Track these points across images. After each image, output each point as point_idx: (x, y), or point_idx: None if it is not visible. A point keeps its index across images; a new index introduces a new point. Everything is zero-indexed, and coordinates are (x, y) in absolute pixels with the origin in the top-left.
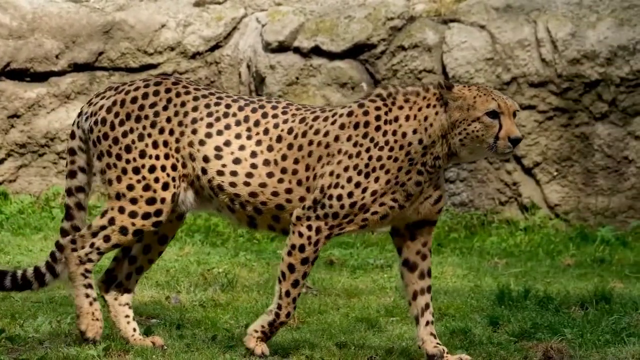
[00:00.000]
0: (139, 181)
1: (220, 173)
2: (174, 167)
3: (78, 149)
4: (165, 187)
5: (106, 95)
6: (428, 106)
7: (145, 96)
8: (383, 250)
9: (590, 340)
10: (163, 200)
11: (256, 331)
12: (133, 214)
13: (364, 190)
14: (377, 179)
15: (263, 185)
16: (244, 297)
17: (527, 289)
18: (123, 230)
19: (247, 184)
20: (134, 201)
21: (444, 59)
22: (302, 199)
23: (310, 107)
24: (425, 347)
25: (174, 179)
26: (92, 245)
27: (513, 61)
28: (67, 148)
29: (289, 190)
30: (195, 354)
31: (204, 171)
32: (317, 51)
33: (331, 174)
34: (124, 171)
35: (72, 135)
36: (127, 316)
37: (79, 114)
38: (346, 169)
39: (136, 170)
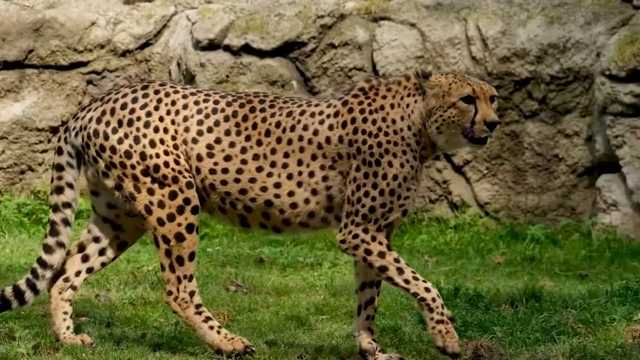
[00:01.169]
0: (153, 181)
1: (212, 171)
2: (176, 162)
3: (67, 164)
4: (175, 180)
5: (92, 107)
6: (409, 95)
7: (134, 100)
8: (313, 249)
9: (520, 338)
10: (182, 190)
11: (433, 328)
12: (171, 217)
13: (384, 176)
14: (390, 163)
15: (252, 180)
16: None
17: (457, 287)
18: (179, 238)
19: (237, 180)
20: (161, 205)
21: (375, 57)
22: (290, 194)
23: (296, 100)
24: (360, 341)
25: (180, 172)
26: (178, 279)
27: (443, 59)
28: (54, 164)
29: (277, 185)
30: (124, 352)
31: (198, 170)
32: (247, 49)
33: (350, 181)
34: (135, 178)
35: (60, 151)
36: (65, 312)
37: (66, 129)
38: (357, 168)
39: (145, 173)
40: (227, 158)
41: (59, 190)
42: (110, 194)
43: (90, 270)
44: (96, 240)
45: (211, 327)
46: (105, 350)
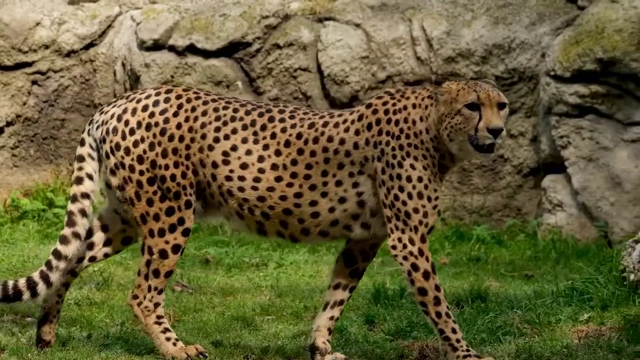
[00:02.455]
0: (155, 192)
1: (228, 178)
2: (183, 175)
3: (88, 156)
4: (177, 196)
5: (118, 104)
6: (429, 97)
7: (156, 103)
8: (259, 249)
9: (466, 339)
10: (179, 208)
11: None
12: (161, 232)
13: (409, 179)
14: (412, 166)
15: (271, 189)
16: (119, 295)
17: (402, 288)
18: (163, 254)
19: (254, 188)
20: (156, 218)
21: (319, 58)
22: (312, 204)
23: (318, 112)
24: (315, 337)
25: (184, 187)
26: (149, 288)
27: (388, 60)
28: (76, 155)
29: (298, 195)
30: (70, 352)
31: (214, 177)
32: (192, 49)
33: (380, 185)
34: (140, 184)
35: (82, 143)
36: (59, 295)
37: (90, 122)
38: (383, 171)
39: (151, 181)
40: (244, 166)
41: (78, 180)
42: (114, 191)
43: (92, 259)
44: (104, 229)
45: (168, 339)
46: (51, 351)
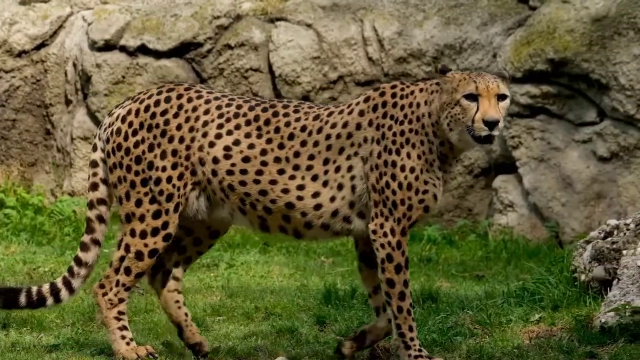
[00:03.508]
0: (146, 194)
1: (230, 172)
2: (180, 177)
3: (100, 160)
4: (169, 198)
5: (124, 105)
6: (437, 84)
7: (157, 103)
8: (210, 250)
9: (418, 339)
10: (167, 212)
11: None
12: (143, 234)
13: (402, 168)
14: (408, 155)
15: (273, 182)
16: None
17: (353, 288)
18: (139, 255)
19: (256, 181)
20: (142, 219)
21: (271, 58)
22: (315, 195)
23: (322, 105)
24: (378, 345)
25: (178, 189)
26: (117, 283)
27: (340, 60)
28: (90, 160)
29: (301, 187)
30: (21, 353)
31: (214, 173)
32: (143, 50)
33: (372, 169)
34: (133, 185)
35: (94, 148)
36: (177, 301)
37: (100, 126)
38: (379, 155)
39: (144, 182)
40: (246, 159)
41: (94, 186)
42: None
43: (188, 260)
44: (188, 232)
45: (123, 337)
46: (1, 352)
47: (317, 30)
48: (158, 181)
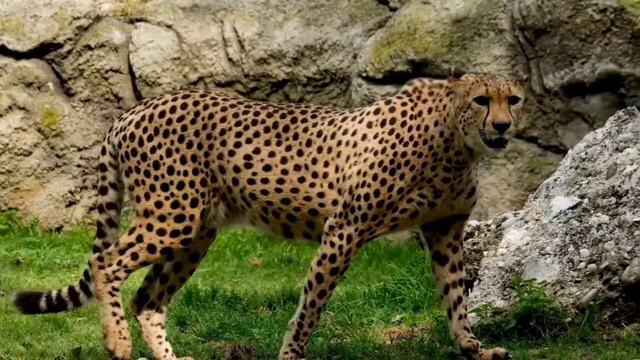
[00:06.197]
0: (167, 198)
1: (251, 182)
2: (203, 182)
3: (109, 164)
4: (194, 203)
5: (136, 110)
6: (448, 94)
7: (173, 110)
8: (70, 251)
9: (278, 339)
10: (192, 217)
11: (286, 353)
12: (161, 232)
13: (390, 188)
14: (402, 176)
15: (295, 190)
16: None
17: (214, 289)
18: (151, 248)
19: (278, 190)
20: (162, 218)
21: (131, 59)
22: (335, 202)
23: (339, 110)
24: (459, 342)
25: (203, 195)
26: (119, 262)
27: (200, 61)
28: (98, 164)
29: (321, 194)
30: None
31: (235, 182)
32: (2, 50)
33: (358, 173)
34: (152, 188)
35: (103, 151)
36: (159, 336)
37: (110, 129)
38: (372, 166)
39: (165, 187)
40: (267, 168)
41: (103, 190)
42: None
43: (171, 289)
44: (169, 257)
45: (114, 314)
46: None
47: (178, 31)
48: (181, 185)
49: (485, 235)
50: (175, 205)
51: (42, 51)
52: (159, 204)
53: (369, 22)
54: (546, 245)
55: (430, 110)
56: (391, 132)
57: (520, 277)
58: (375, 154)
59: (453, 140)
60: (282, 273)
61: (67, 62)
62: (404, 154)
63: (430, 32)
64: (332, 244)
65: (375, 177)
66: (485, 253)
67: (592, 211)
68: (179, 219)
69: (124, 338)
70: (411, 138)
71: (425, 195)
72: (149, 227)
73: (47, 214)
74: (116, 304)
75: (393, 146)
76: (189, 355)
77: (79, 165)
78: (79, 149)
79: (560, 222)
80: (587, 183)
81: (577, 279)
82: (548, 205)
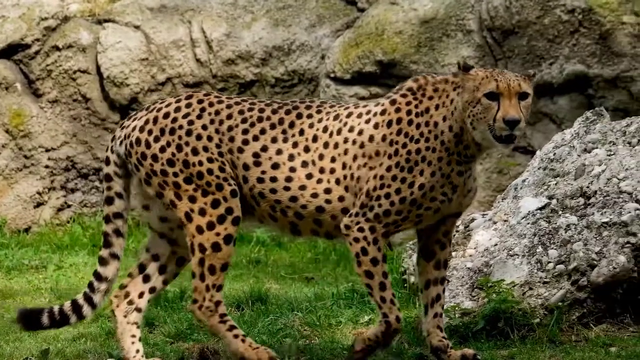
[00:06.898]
0: (195, 189)
1: (260, 180)
2: (221, 169)
3: (114, 174)
4: (220, 187)
5: (137, 116)
6: (454, 89)
7: (177, 109)
8: (38, 251)
9: None
10: (225, 199)
11: (369, 339)
12: (210, 225)
13: (411, 184)
14: (421, 172)
15: (302, 187)
16: None
17: (182, 290)
18: (216, 247)
19: (287, 188)
20: (202, 212)
21: (99, 59)
22: (340, 199)
23: (343, 104)
24: (430, 340)
25: (225, 179)
26: (207, 288)
27: (168, 61)
28: (103, 174)
29: (327, 190)
30: None
31: (245, 179)
32: None
33: (375, 177)
34: (177, 185)
35: (107, 161)
36: (133, 335)
37: (112, 139)
38: (389, 168)
39: (187, 181)
40: (275, 166)
41: (109, 200)
42: (156, 203)
43: (152, 290)
44: (155, 258)
45: (235, 336)
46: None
47: (145, 31)
48: (200, 175)
49: (454, 236)
50: (205, 193)
51: (9, 52)
52: (192, 199)
53: (337, 23)
54: (514, 246)
55: (437, 107)
56: (399, 132)
57: (489, 278)
58: (390, 157)
59: (462, 134)
60: (250, 274)
61: (35, 63)
62: (418, 151)
63: (399, 32)
64: (357, 240)
65: (394, 178)
66: (453, 254)
67: (560, 212)
68: (215, 203)
69: (257, 348)
70: (422, 135)
71: (446, 193)
72: (199, 230)
73: (15, 215)
74: (233, 327)
75: (404, 145)
76: (157, 357)
77: (47, 166)
78: (47, 150)
79: (528, 223)
80: (556, 184)
81: (545, 280)
82: (516, 206)
